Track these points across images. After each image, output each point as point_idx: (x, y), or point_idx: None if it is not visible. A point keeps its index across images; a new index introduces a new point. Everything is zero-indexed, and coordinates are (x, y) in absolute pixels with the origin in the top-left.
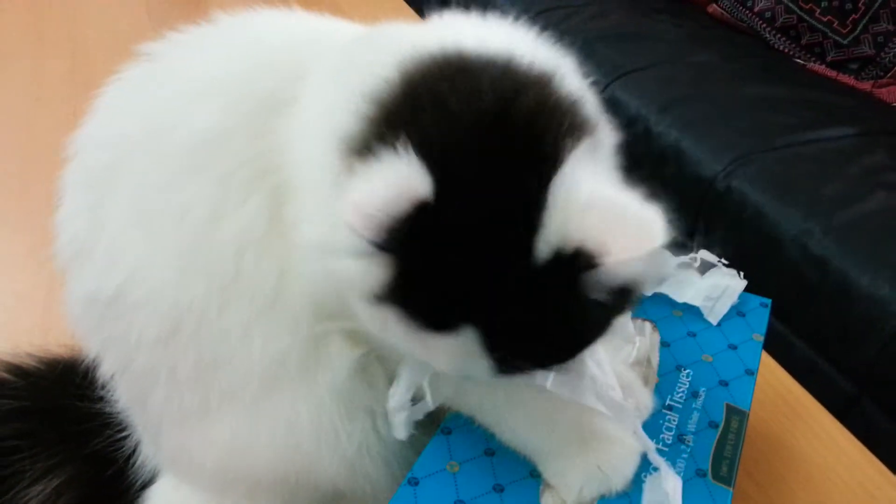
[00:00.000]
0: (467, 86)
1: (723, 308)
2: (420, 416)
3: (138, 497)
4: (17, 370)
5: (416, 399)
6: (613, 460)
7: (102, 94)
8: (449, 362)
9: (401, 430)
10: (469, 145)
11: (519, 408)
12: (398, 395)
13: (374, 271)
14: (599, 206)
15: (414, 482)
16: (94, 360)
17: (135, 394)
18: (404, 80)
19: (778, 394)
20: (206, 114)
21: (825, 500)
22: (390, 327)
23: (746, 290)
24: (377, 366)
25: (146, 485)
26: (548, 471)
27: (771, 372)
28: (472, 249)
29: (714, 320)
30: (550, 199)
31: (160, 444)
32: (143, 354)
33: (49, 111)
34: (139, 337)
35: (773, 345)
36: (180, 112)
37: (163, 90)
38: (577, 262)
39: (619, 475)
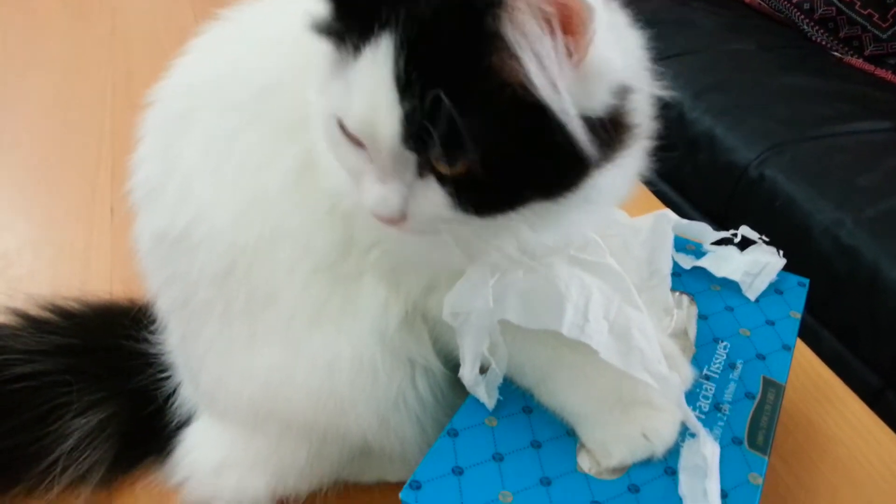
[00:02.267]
0: None
1: (761, 284)
2: (498, 382)
3: (175, 435)
4: (62, 311)
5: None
6: (657, 427)
7: (184, 52)
8: (359, 95)
9: (488, 400)
10: None
11: (563, 370)
12: (467, 373)
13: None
14: None
15: (453, 433)
16: (153, 296)
17: (189, 327)
18: None
19: (809, 377)
20: (263, 69)
21: (852, 482)
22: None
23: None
24: (419, 314)
25: (182, 425)
26: (587, 435)
27: (802, 354)
28: None
29: (752, 296)
30: None
31: (200, 381)
32: (202, 289)
33: (87, 75)
34: (200, 272)
35: (801, 333)
36: (243, 67)
37: (230, 48)
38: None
39: (662, 442)
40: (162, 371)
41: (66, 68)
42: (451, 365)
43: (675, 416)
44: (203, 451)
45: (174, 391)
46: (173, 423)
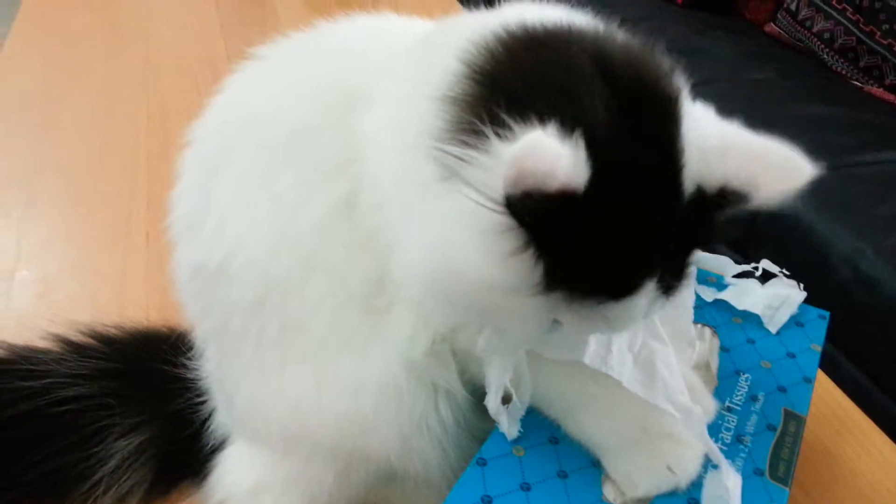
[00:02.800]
0: (563, 53)
1: (783, 317)
2: (520, 414)
3: (210, 458)
4: (102, 337)
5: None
6: (681, 461)
7: (220, 90)
8: (626, 322)
9: (509, 430)
10: (607, 119)
11: (589, 403)
12: (492, 402)
13: (522, 264)
14: (738, 147)
15: (482, 462)
16: (191, 324)
17: (225, 353)
18: (493, 56)
19: (829, 407)
20: (298, 110)
21: None
22: (553, 311)
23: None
24: (447, 345)
25: (217, 448)
26: (612, 466)
27: (822, 385)
28: (635, 215)
29: (773, 329)
30: (686, 143)
31: (234, 404)
32: (237, 318)
33: (122, 103)
34: (236, 302)
35: (821, 363)
36: (278, 108)
37: (265, 88)
38: (722, 200)
39: (686, 475)
40: (199, 395)
41: (101, 95)
42: (478, 393)
43: (699, 450)
44: (238, 474)
45: (210, 415)
46: (209, 447)
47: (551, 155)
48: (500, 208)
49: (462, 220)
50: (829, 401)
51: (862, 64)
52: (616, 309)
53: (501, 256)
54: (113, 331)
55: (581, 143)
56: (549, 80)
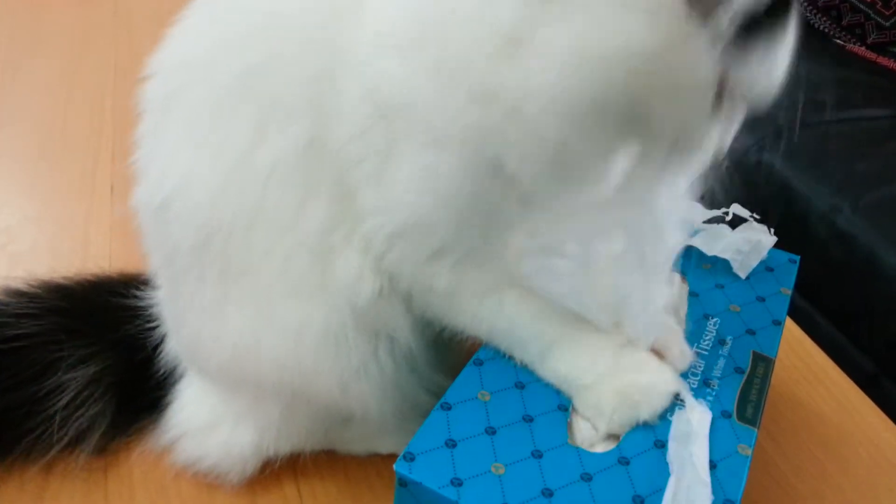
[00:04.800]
0: None
1: (752, 262)
2: None
3: (165, 385)
4: (51, 285)
5: None
6: (652, 390)
7: (176, 24)
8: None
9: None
10: None
11: (566, 340)
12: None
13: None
14: None
15: (446, 407)
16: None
17: (171, 287)
18: None
19: (799, 357)
20: (259, 45)
21: (840, 460)
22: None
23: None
24: (393, 293)
25: (170, 376)
26: (583, 402)
27: (793, 335)
28: None
29: (743, 274)
30: None
31: (181, 337)
32: (179, 258)
33: (90, 56)
34: (177, 243)
35: (795, 320)
36: (238, 42)
37: (226, 19)
38: None
39: (656, 403)
40: (149, 321)
41: (69, 49)
42: (434, 337)
43: (667, 377)
44: (193, 409)
45: (162, 341)
46: (162, 373)
47: None
48: None
49: None
50: (798, 350)
51: (844, 22)
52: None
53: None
54: (62, 280)
55: None
56: None
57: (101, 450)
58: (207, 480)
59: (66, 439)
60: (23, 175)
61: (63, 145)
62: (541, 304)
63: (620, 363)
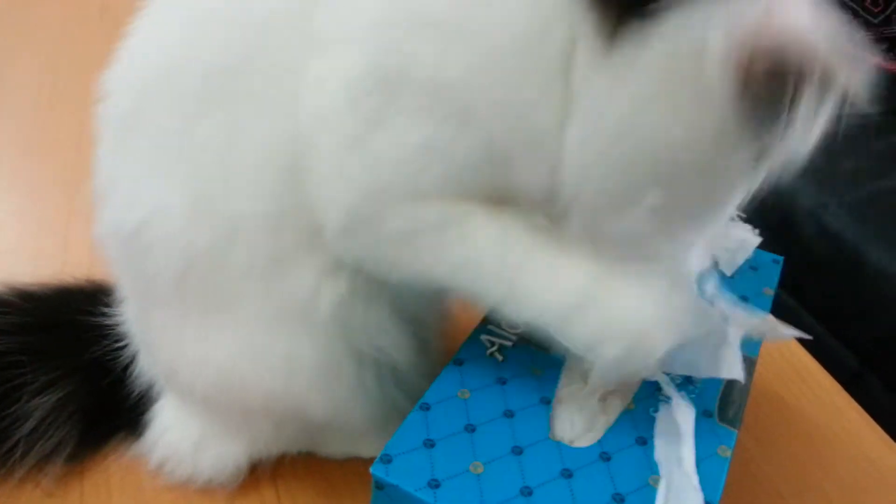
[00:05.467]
0: None
1: (738, 260)
2: None
3: (140, 406)
4: (20, 293)
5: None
6: (644, 310)
7: (128, 34)
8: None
9: None
10: None
11: (536, 267)
12: None
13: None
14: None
15: (425, 407)
16: (114, 279)
17: (145, 314)
18: None
19: (782, 355)
20: (219, 42)
21: (822, 459)
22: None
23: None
24: (360, 300)
25: (145, 395)
26: (572, 337)
27: None
28: None
29: (729, 271)
30: None
31: (158, 361)
32: (156, 287)
33: (76, 52)
34: (154, 273)
35: (781, 317)
36: (189, 48)
37: (174, 26)
38: None
39: (653, 328)
40: (117, 341)
41: (54, 45)
42: (413, 346)
43: (660, 297)
44: (180, 431)
45: (132, 361)
46: (135, 394)
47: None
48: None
49: (672, 83)
50: (782, 347)
51: None
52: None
53: (732, 113)
54: (34, 287)
55: None
56: None
57: (78, 461)
58: (184, 484)
59: (28, 465)
60: (5, 172)
61: (47, 142)
62: (505, 226)
63: (611, 277)
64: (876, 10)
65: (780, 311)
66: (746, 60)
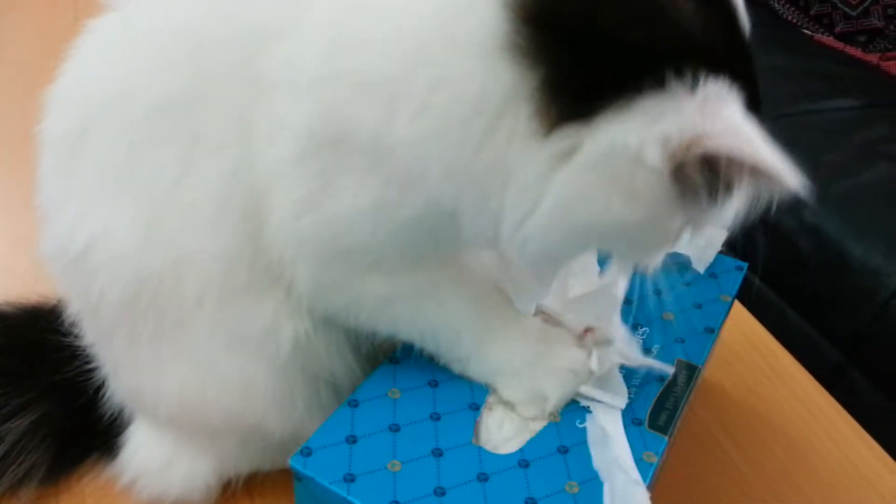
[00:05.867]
0: None
1: (709, 256)
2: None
3: (113, 429)
4: None
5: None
6: (578, 362)
7: (73, 51)
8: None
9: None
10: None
11: (496, 331)
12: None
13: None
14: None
15: (353, 404)
16: (63, 301)
17: (97, 337)
18: None
19: (761, 355)
20: (169, 76)
21: (803, 461)
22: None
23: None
24: (322, 336)
25: (117, 416)
26: (518, 390)
27: (755, 333)
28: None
29: (702, 269)
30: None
31: (121, 387)
32: (105, 310)
33: (52, 60)
34: (102, 295)
35: (764, 312)
36: (142, 75)
37: (126, 48)
38: None
39: (585, 373)
40: (88, 362)
41: (27, 56)
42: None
43: (584, 353)
44: (149, 451)
45: (104, 382)
46: (108, 416)
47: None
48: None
49: (609, 177)
50: (761, 347)
51: (812, 12)
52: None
53: (667, 201)
54: (3, 306)
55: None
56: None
57: (39, 493)
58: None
59: (1, 489)
60: None
61: (18, 156)
62: (472, 298)
63: (548, 345)
64: (854, 3)
65: (764, 306)
66: (679, 161)
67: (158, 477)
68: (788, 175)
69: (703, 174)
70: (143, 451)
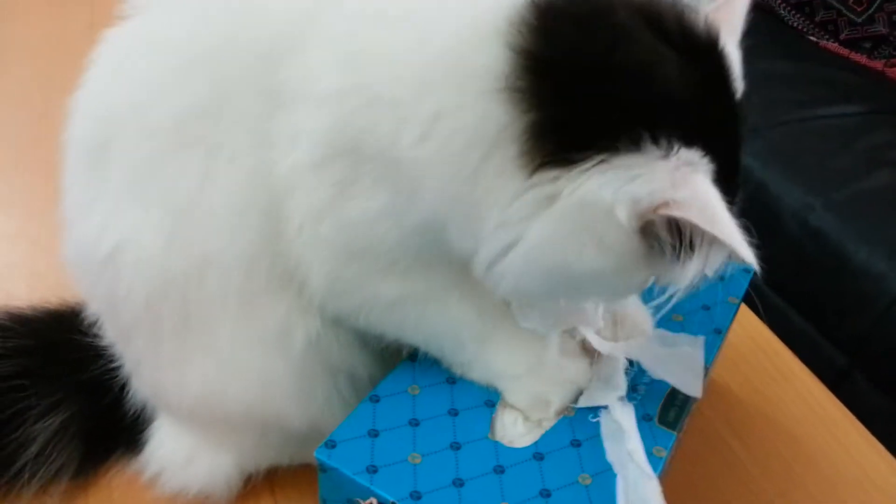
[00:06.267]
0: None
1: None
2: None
3: (138, 426)
4: (16, 317)
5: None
6: (578, 371)
7: (93, 60)
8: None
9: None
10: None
11: (501, 338)
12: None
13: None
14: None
15: (375, 399)
16: (84, 302)
17: (118, 336)
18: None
19: (767, 356)
20: (190, 87)
21: (807, 460)
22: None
23: None
24: (332, 335)
25: (141, 413)
26: (522, 394)
27: (761, 335)
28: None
29: (710, 272)
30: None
31: (142, 384)
32: (129, 310)
33: (66, 68)
34: (127, 296)
35: (770, 315)
36: (162, 87)
37: (146, 60)
38: None
39: (585, 381)
40: (112, 360)
41: (43, 59)
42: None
43: (586, 362)
44: (172, 446)
45: (127, 380)
46: (132, 413)
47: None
48: (641, 222)
49: (584, 227)
50: (766, 349)
51: (817, 19)
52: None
53: (634, 255)
54: (28, 310)
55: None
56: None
57: (81, 481)
58: (184, 497)
59: (35, 487)
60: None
61: (39, 160)
62: (479, 304)
63: (549, 352)
64: (859, 10)
65: (769, 310)
66: (647, 220)
67: (181, 471)
68: (744, 249)
69: (669, 233)
70: (165, 447)
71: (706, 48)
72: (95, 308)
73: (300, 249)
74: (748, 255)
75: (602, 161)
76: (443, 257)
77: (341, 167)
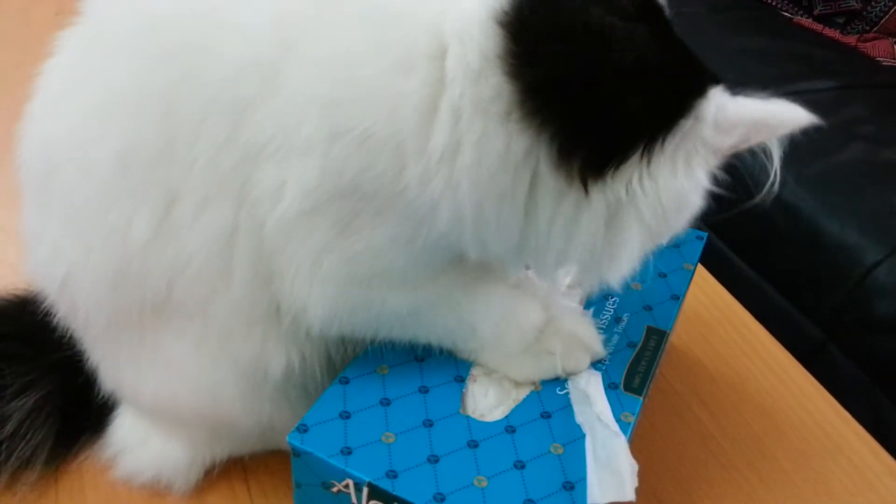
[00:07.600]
0: None
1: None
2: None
3: (105, 407)
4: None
5: None
6: (573, 356)
7: (42, 75)
8: None
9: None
10: None
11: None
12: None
13: None
14: None
15: (344, 381)
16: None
17: (82, 338)
18: None
19: (736, 329)
20: (138, 132)
21: (778, 432)
22: None
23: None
24: (316, 359)
25: (109, 395)
26: (515, 370)
27: (730, 308)
28: None
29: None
30: None
31: (103, 375)
32: (88, 329)
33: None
34: (84, 320)
35: (744, 289)
36: (108, 124)
37: (91, 87)
38: None
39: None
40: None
41: (11, 49)
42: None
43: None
44: (129, 428)
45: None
46: (103, 395)
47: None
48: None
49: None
50: (735, 322)
51: None
52: None
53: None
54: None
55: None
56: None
57: (52, 466)
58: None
59: (10, 470)
60: None
61: (5, 149)
62: (482, 288)
63: (559, 321)
64: None
65: (744, 284)
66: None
67: (133, 454)
68: (802, 114)
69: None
70: (123, 430)
71: (649, 6)
72: (60, 317)
73: (295, 294)
74: (807, 117)
75: (654, 153)
76: (453, 260)
77: (337, 209)
